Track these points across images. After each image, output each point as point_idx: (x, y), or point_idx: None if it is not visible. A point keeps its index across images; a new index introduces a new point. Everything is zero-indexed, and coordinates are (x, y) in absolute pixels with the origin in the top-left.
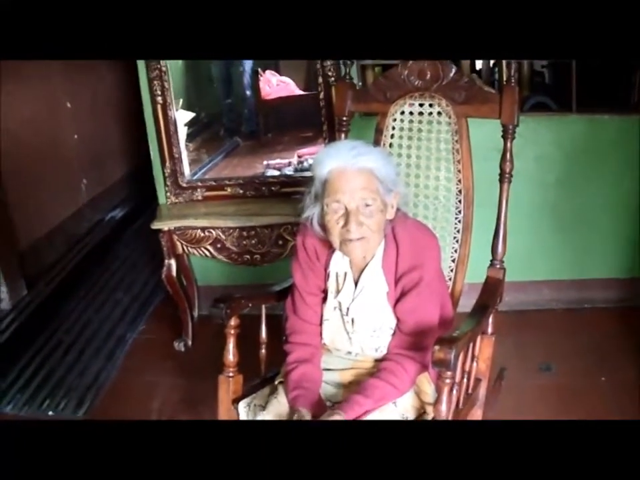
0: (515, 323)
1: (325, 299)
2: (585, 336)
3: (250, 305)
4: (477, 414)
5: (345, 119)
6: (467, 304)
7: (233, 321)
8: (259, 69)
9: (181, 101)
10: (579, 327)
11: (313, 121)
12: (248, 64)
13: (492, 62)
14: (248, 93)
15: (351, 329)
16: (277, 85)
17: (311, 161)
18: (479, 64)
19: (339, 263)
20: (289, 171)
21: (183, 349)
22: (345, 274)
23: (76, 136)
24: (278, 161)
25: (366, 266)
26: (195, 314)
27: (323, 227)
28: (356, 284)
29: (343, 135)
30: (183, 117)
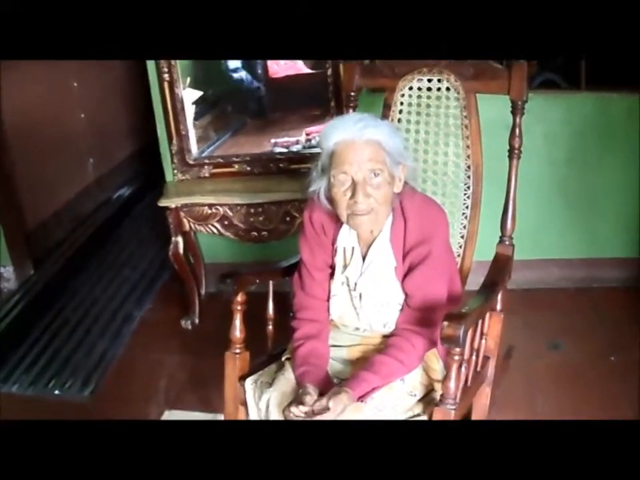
0: (524, 301)
1: (332, 275)
2: (593, 315)
3: (257, 280)
4: (484, 392)
5: (352, 94)
6: (475, 281)
7: (240, 297)
8: None
9: (188, 79)
10: (587, 306)
11: (321, 99)
12: None
13: None
14: (256, 70)
15: (359, 305)
16: (284, 62)
17: (319, 139)
18: None
19: (346, 238)
20: (296, 148)
21: (189, 327)
22: (353, 249)
23: (83, 115)
24: (286, 139)
25: (374, 240)
26: (202, 292)
27: (330, 200)
28: (364, 259)
29: (350, 111)
30: (190, 95)
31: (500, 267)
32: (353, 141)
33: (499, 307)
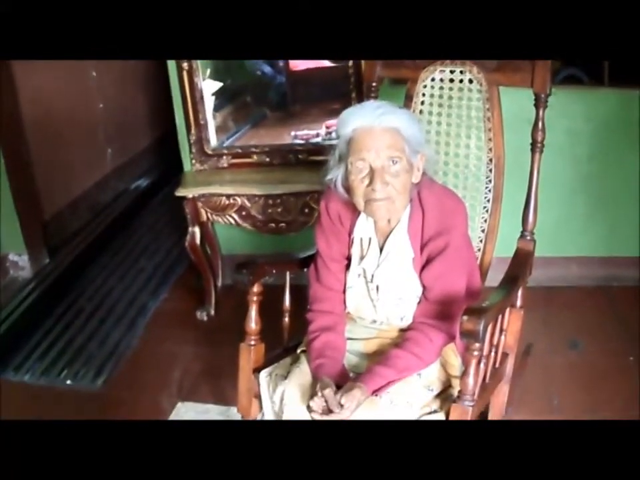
0: (543, 298)
1: (348, 266)
2: (613, 314)
3: (274, 271)
4: (503, 389)
5: (374, 84)
6: (496, 278)
7: (256, 288)
8: None
9: (209, 70)
10: (607, 305)
11: (342, 92)
12: None
13: None
14: (277, 63)
15: (376, 297)
16: None
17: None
18: None
19: (363, 228)
20: (316, 141)
21: (205, 319)
22: (370, 239)
23: (101, 105)
24: (306, 132)
25: (391, 231)
26: (219, 283)
27: (347, 188)
28: (381, 250)
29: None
30: (210, 86)
31: (521, 262)
32: (372, 127)
33: (519, 303)
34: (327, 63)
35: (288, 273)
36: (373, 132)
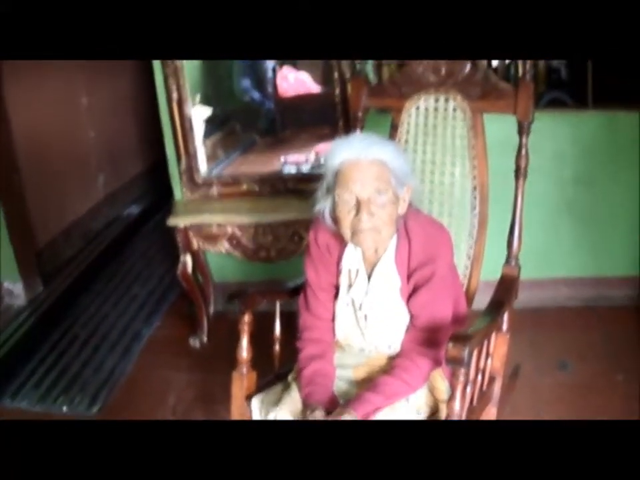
0: (532, 320)
1: (337, 295)
2: (601, 334)
3: (264, 300)
4: (491, 412)
5: (360, 114)
6: (481, 301)
7: (247, 317)
8: (276, 66)
9: (198, 96)
10: (595, 325)
11: (331, 117)
12: (266, 60)
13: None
14: (265, 89)
15: (364, 325)
16: (294, 81)
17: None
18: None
19: (351, 258)
20: (306, 167)
21: (198, 346)
22: (357, 269)
23: (92, 132)
24: (295, 157)
25: (378, 261)
26: (211, 310)
27: (335, 219)
28: (368, 279)
29: (358, 131)
30: (199, 112)
31: (506, 287)
32: (358, 160)
33: (505, 327)
34: (314, 89)
35: (278, 302)
36: (360, 164)
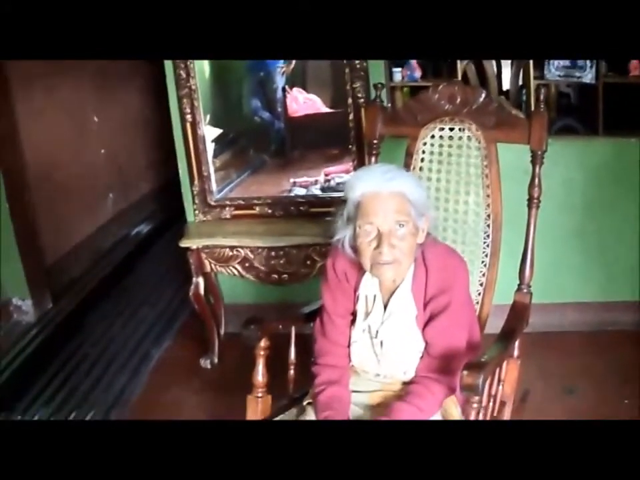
0: (539, 344)
1: (353, 321)
2: (608, 359)
3: (280, 327)
4: None
5: (375, 142)
6: (494, 325)
7: (264, 343)
8: (286, 86)
9: (208, 116)
10: (603, 350)
11: (340, 138)
12: (277, 81)
13: (520, 83)
14: (275, 109)
15: (380, 352)
16: (303, 102)
17: (337, 180)
18: (506, 84)
19: (368, 286)
20: (315, 189)
21: (209, 367)
22: (375, 297)
23: (103, 150)
24: (305, 178)
25: (395, 289)
26: (222, 331)
27: (355, 249)
28: (385, 307)
29: (373, 159)
30: (209, 133)
31: (518, 314)
32: (380, 192)
33: (516, 353)
34: (324, 109)
35: (293, 328)
36: (381, 196)
